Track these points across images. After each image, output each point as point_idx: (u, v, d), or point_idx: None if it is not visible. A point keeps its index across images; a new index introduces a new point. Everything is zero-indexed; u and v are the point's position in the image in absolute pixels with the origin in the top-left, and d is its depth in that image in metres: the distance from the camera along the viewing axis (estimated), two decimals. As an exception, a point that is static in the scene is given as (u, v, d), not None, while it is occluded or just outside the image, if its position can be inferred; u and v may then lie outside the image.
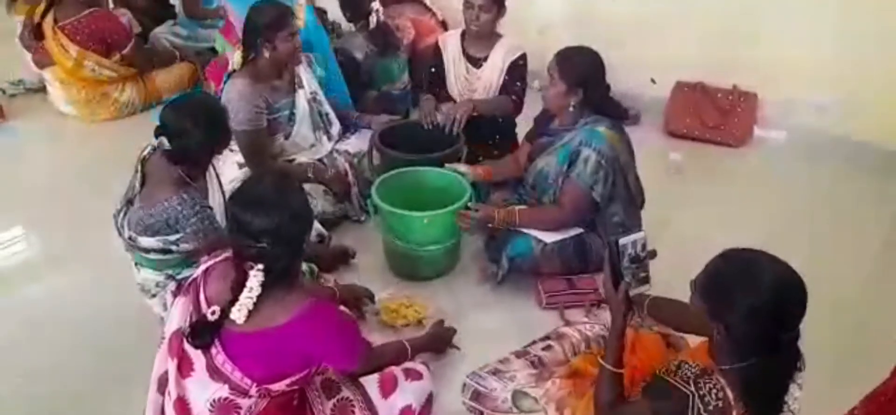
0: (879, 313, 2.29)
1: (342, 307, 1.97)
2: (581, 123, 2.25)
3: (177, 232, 1.95)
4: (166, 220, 1.92)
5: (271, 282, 1.41)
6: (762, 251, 1.27)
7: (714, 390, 1.22)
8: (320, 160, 2.74)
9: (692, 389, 1.23)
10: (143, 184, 2.02)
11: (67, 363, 2.07)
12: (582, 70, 2.22)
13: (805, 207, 2.97)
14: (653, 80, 3.80)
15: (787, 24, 3.29)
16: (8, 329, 2.23)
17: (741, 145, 3.53)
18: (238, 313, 1.40)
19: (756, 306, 1.20)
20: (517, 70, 2.85)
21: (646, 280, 1.61)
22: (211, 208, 1.99)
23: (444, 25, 3.83)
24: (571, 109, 2.25)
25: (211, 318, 1.43)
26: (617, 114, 2.36)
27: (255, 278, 1.39)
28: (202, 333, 1.44)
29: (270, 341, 1.42)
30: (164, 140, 1.90)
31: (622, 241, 1.55)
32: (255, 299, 1.40)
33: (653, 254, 1.64)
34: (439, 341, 2.06)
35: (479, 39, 2.85)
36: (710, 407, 1.21)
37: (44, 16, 3.58)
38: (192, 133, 1.89)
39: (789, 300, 1.22)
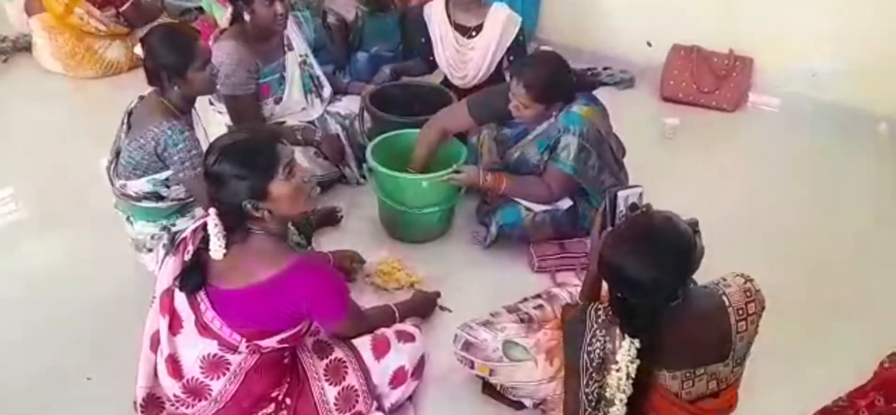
0: (871, 280, 2.31)
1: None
2: (554, 114, 2.20)
3: (165, 164, 1.96)
4: (155, 149, 1.93)
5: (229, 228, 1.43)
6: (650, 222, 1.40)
7: (599, 310, 1.46)
8: (311, 122, 2.70)
9: (590, 307, 1.48)
10: (129, 131, 2.02)
11: (62, 322, 2.06)
12: (552, 88, 2.14)
13: (799, 173, 2.98)
14: (649, 44, 3.76)
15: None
16: (2, 289, 2.22)
17: (736, 110, 3.52)
18: (214, 247, 1.41)
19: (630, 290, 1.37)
20: (522, 49, 2.77)
21: None
22: (198, 140, 1.99)
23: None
24: (554, 115, 2.20)
25: (187, 258, 1.47)
26: (588, 87, 2.28)
27: (212, 220, 1.43)
28: (187, 277, 1.45)
29: (259, 295, 1.43)
30: (140, 48, 1.96)
31: (621, 194, 1.62)
32: (222, 229, 1.41)
33: (648, 208, 1.64)
34: (425, 305, 2.07)
35: (468, 7, 2.75)
36: (600, 320, 1.45)
37: None
38: (151, 48, 1.93)
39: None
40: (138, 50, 1.97)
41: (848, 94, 3.28)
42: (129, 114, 2.04)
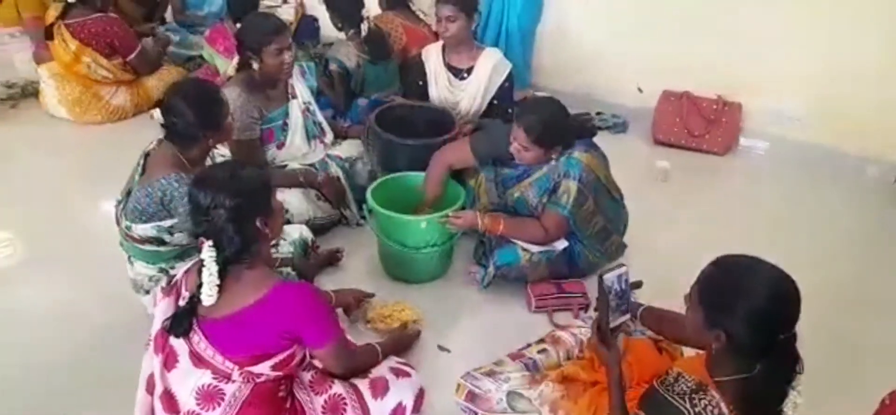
0: (861, 321, 2.34)
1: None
2: (555, 157, 2.26)
3: (170, 214, 2.00)
4: (162, 198, 1.97)
5: (226, 260, 1.45)
6: (752, 255, 1.30)
7: (709, 407, 1.23)
8: (312, 166, 2.76)
9: (687, 406, 1.24)
10: (143, 174, 2.07)
11: (55, 366, 2.06)
12: (551, 132, 2.20)
13: (788, 216, 3.03)
14: (640, 90, 3.86)
15: (771, 37, 3.37)
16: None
17: (726, 154, 3.60)
18: (206, 294, 1.43)
19: (755, 309, 1.23)
20: (507, 94, 2.88)
21: (626, 311, 1.66)
22: None
23: (437, 36, 3.86)
24: (553, 159, 2.26)
25: (183, 303, 1.50)
26: (585, 133, 2.36)
27: (207, 253, 1.44)
28: (179, 320, 1.48)
29: (247, 319, 1.46)
30: (158, 112, 2.00)
31: (607, 276, 1.58)
32: (216, 276, 1.43)
33: (637, 284, 1.68)
34: (405, 340, 2.09)
35: (459, 50, 2.87)
36: None
37: (57, 19, 3.63)
38: (182, 111, 1.97)
39: (786, 301, 1.25)
40: (157, 115, 2.00)
41: (835, 138, 3.36)
42: (146, 156, 2.08)
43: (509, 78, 2.89)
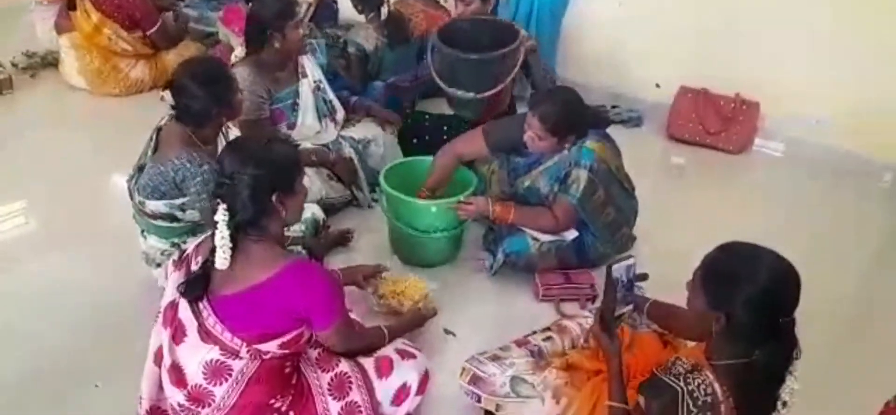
0: (871, 327, 2.33)
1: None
2: (567, 147, 2.26)
3: (182, 193, 2.01)
4: (174, 178, 1.99)
5: (237, 227, 1.46)
6: (754, 243, 1.33)
7: (702, 386, 1.26)
8: (325, 146, 2.77)
9: (682, 384, 1.28)
10: (155, 150, 2.08)
11: (67, 338, 2.09)
12: (566, 122, 2.19)
13: (801, 217, 3.00)
14: (657, 85, 3.84)
15: (789, 38, 3.34)
16: (8, 304, 2.24)
17: (741, 153, 3.57)
18: (220, 257, 1.45)
19: (756, 291, 1.25)
20: (536, 60, 2.87)
21: (630, 302, 1.67)
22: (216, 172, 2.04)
23: (455, 22, 3.85)
24: (566, 148, 2.26)
25: (195, 268, 1.52)
26: (599, 123, 2.36)
27: (221, 215, 1.45)
28: (193, 285, 1.50)
29: (256, 297, 1.47)
30: (168, 94, 2.00)
31: (615, 267, 1.59)
32: (228, 240, 1.44)
33: (643, 276, 1.69)
34: (415, 322, 2.07)
35: None
36: (700, 402, 1.25)
37: None
38: (194, 92, 1.98)
39: (787, 284, 1.27)
40: (168, 97, 2.01)
41: (852, 141, 3.32)
42: (158, 131, 2.10)
43: (533, 47, 2.87)
